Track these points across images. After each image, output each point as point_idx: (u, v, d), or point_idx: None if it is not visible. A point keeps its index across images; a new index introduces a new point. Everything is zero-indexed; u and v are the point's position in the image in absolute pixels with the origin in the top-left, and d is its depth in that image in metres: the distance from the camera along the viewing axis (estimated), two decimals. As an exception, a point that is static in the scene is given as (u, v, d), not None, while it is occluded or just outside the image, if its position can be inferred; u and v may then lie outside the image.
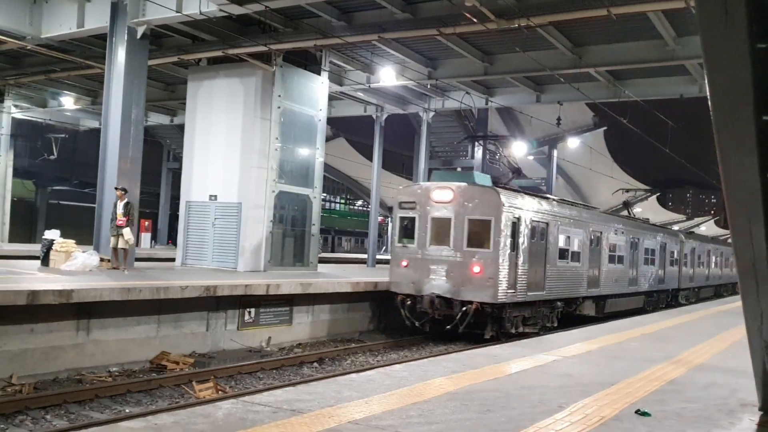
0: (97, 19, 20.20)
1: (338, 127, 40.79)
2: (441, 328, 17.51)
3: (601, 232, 22.77)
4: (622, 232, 25.11)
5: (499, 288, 16.69)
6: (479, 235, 17.07)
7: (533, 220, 18.12)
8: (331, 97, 28.29)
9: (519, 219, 17.32)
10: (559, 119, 29.01)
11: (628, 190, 35.18)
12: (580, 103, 32.12)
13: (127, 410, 10.23)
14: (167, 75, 29.02)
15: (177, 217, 24.02)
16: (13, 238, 36.15)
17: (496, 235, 16.72)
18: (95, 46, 23.03)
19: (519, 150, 38.36)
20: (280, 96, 21.54)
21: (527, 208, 17.95)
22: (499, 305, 16.94)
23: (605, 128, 41.14)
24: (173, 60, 23.51)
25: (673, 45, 20.79)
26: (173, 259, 22.95)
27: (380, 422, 6.12)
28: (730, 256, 42.66)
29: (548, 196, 22.39)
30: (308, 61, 22.91)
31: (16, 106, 35.73)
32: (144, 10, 19.12)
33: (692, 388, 8.47)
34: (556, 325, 19.80)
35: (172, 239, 40.74)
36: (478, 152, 36.18)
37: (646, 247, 27.64)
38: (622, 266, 24.82)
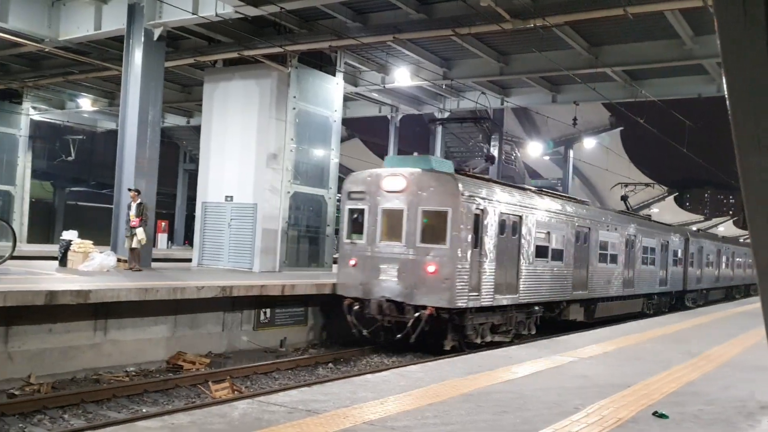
0: (114, 22, 20.37)
1: (353, 127, 40.83)
2: (393, 337, 15.35)
3: (589, 228, 20.47)
4: (616, 229, 22.76)
5: (458, 290, 14.43)
6: (434, 228, 14.81)
7: (503, 213, 15.93)
8: (346, 98, 28.33)
9: (483, 211, 15.11)
10: (575, 119, 28.87)
11: (627, 185, 33.24)
12: (596, 103, 31.96)
13: (144, 410, 10.29)
14: (184, 77, 29.19)
15: (193, 217, 24.16)
16: (32, 238, 36.48)
17: (453, 229, 14.44)
18: (112, 48, 23.21)
19: (535, 150, 38.29)
20: (295, 97, 21.60)
21: (495, 199, 15.72)
22: (458, 311, 14.71)
23: (622, 128, 40.92)
24: (189, 62, 23.65)
25: (690, 44, 20.63)
26: (190, 260, 23.08)
27: (396, 423, 6.12)
28: (743, 255, 41.47)
29: (525, 186, 20.00)
30: (323, 62, 22.96)
31: (34, 107, 36.09)
32: (160, 12, 19.25)
33: (710, 390, 8.40)
34: (534, 332, 17.69)
35: (188, 240, 41.00)
36: (494, 152, 36.12)
37: (645, 245, 25.36)
38: (615, 266, 22.51)
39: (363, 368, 14.38)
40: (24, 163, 35.69)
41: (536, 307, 17.74)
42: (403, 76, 25.45)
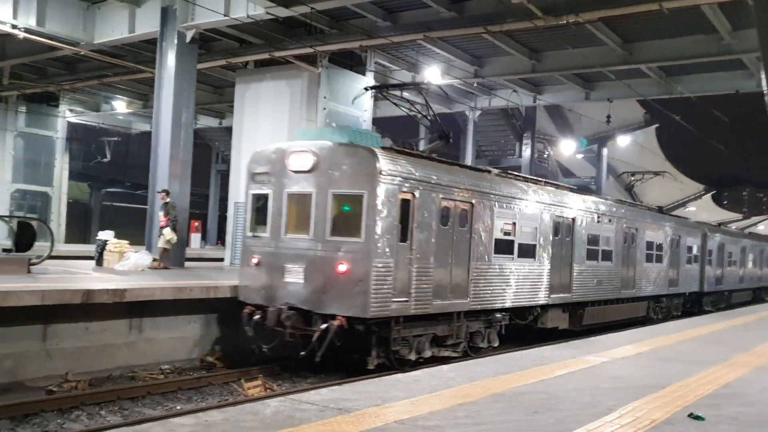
0: (148, 24, 20.66)
1: (383, 127, 40.82)
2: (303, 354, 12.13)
3: (574, 219, 17.42)
4: (610, 221, 19.45)
5: (375, 295, 11.47)
6: (347, 217, 11.99)
7: (447, 199, 13.00)
8: (376, 98, 28.35)
9: (416, 196, 12.20)
10: (608, 117, 28.53)
11: (634, 174, 31.38)
12: (630, 100, 31.55)
13: (178, 407, 10.43)
14: (216, 78, 29.50)
15: (226, 218, 24.37)
16: (69, 238, 37.17)
17: (369, 218, 11.52)
18: (146, 51, 23.55)
19: (567, 149, 37.95)
20: (325, 97, 21.67)
21: (434, 182, 12.72)
22: (377, 320, 11.73)
23: (657, 125, 40.36)
24: (221, 63, 23.89)
25: (728, 39, 20.24)
26: (222, 259, 23.28)
27: (427, 422, 6.11)
28: None
29: (481, 168, 16.70)
30: (353, 62, 23.01)
31: (70, 110, 36.81)
32: (193, 15, 19.47)
33: (748, 391, 8.23)
34: (497, 344, 14.76)
35: (221, 239, 41.40)
36: (526, 150, 35.92)
37: (651, 240, 22.15)
38: (610, 264, 19.42)
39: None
40: (61, 164, 36.42)
41: (498, 314, 14.81)
42: (433, 74, 25.38)
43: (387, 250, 11.69)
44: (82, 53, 23.12)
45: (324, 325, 11.67)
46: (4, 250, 15.65)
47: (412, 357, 12.56)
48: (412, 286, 12.14)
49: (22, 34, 20.99)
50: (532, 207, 15.71)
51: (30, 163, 35.27)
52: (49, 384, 11.01)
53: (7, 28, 20.77)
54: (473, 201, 13.66)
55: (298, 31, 21.48)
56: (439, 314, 13.02)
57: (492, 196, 14.31)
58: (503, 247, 14.65)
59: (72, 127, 38.31)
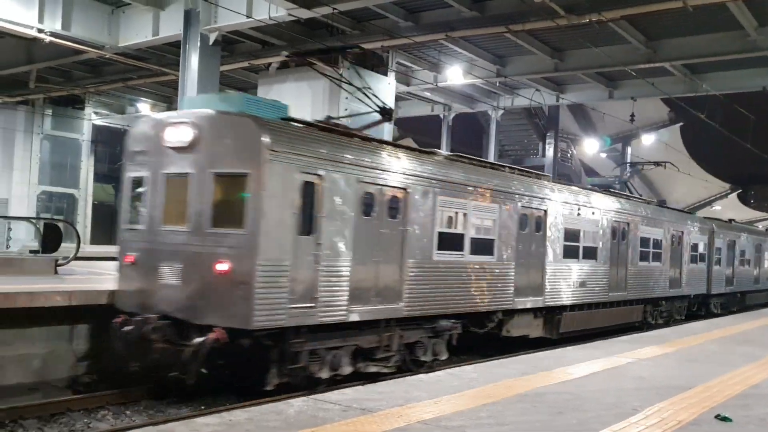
0: (171, 27, 20.87)
1: (405, 127, 40.87)
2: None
3: (545, 211, 15.22)
4: (594, 213, 17.24)
5: (261, 300, 9.21)
6: (229, 205, 9.81)
7: (367, 183, 10.81)
8: (398, 98, 28.38)
9: (323, 178, 10.06)
10: (632, 115, 28.26)
11: (634, 164, 29.72)
12: (654, 98, 31.23)
13: (202, 407, 10.50)
14: (239, 80, 29.69)
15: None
16: (95, 239, 37.61)
17: (255, 205, 9.31)
18: (169, 54, 23.79)
19: (591, 148, 37.70)
20: (347, 98, 21.70)
21: (345, 161, 10.49)
22: (266, 332, 9.47)
23: (681, 124, 39.95)
24: (244, 65, 24.06)
25: (755, 35, 19.94)
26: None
27: (450, 423, 6.10)
28: None
29: (424, 149, 13.90)
30: (375, 63, 23.02)
31: (96, 113, 37.28)
32: (215, 17, 19.63)
33: (777, 393, 8.12)
34: (444, 357, 12.66)
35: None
36: (549, 150, 35.74)
37: (645, 236, 19.97)
38: (594, 263, 17.22)
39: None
40: (87, 167, 36.90)
41: (444, 321, 12.51)
42: (456, 74, 25.32)
43: (280, 244, 9.47)
44: (106, 56, 23.41)
45: (199, 339, 9.37)
46: (32, 252, 15.89)
47: (324, 375, 10.38)
48: (319, 289, 9.92)
49: (48, 38, 21.30)
50: (490, 196, 13.50)
51: (56, 165, 35.81)
52: (76, 384, 11.14)
53: (34, 33, 21.09)
54: (408, 187, 11.51)
55: (320, 33, 21.57)
56: (364, 322, 10.87)
57: (434, 181, 12.09)
58: (450, 242, 12.52)
59: (97, 130, 38.74)
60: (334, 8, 17.39)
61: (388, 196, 11.24)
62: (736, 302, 28.47)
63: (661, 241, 21.09)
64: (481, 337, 14.08)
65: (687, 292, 23.27)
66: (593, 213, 17.25)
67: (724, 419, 6.57)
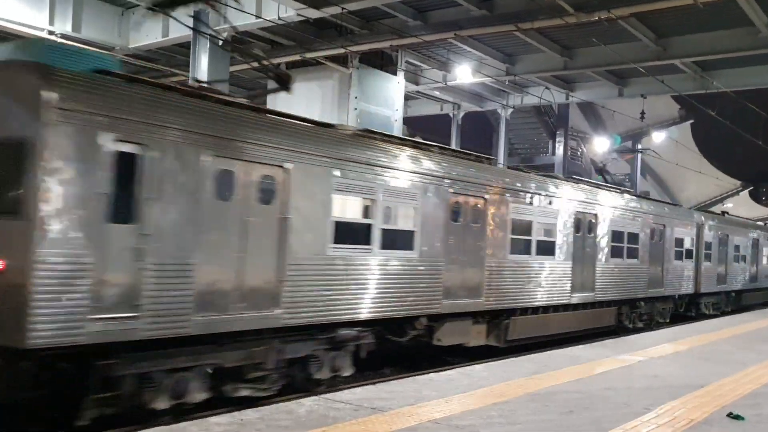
0: (181, 28, 20.91)
1: (414, 126, 40.88)
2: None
3: (485, 200, 13.03)
4: (551, 203, 15.11)
5: (43, 309, 6.88)
6: (3, 183, 7.30)
7: (222, 158, 8.45)
8: (407, 97, 28.37)
9: (148, 149, 7.71)
10: (642, 113, 28.14)
11: (620, 151, 27.73)
12: (665, 96, 31.09)
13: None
14: (248, 81, 29.77)
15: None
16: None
17: (35, 182, 6.92)
18: (179, 55, 23.88)
19: (601, 146, 37.56)
20: (356, 98, 21.75)
21: (186, 128, 8.11)
22: (55, 352, 7.14)
23: (692, 121, 39.76)
24: (253, 65, 24.08)
25: (765, 31, 19.82)
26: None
27: (460, 422, 6.11)
28: None
29: (315, 121, 11.21)
30: (384, 62, 23.05)
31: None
32: (225, 18, 19.66)
33: (789, 391, 8.08)
34: (348, 374, 10.56)
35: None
36: (559, 148, 35.65)
37: (618, 230, 17.88)
38: (551, 260, 15.08)
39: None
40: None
41: (346, 330, 10.33)
42: (465, 73, 25.28)
43: (75, 234, 7.14)
44: (117, 57, 23.52)
45: None
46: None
47: (163, 405, 8.04)
48: (143, 293, 7.61)
49: (58, 40, 21.44)
50: (408, 180, 11.31)
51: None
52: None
53: (44, 34, 21.22)
54: (287, 165, 9.24)
55: (328, 33, 21.60)
56: (224, 335, 8.54)
57: (326, 160, 9.85)
58: (352, 234, 10.36)
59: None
60: (343, 8, 17.42)
61: (257, 178, 8.89)
62: (730, 302, 26.58)
63: (638, 235, 18.99)
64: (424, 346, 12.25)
65: (671, 292, 21.31)
66: (550, 203, 15.10)
67: (737, 417, 6.55)
